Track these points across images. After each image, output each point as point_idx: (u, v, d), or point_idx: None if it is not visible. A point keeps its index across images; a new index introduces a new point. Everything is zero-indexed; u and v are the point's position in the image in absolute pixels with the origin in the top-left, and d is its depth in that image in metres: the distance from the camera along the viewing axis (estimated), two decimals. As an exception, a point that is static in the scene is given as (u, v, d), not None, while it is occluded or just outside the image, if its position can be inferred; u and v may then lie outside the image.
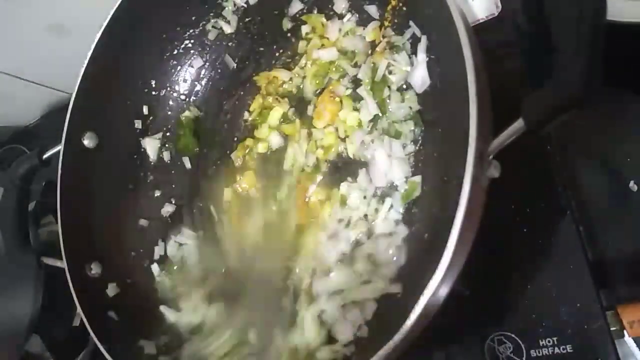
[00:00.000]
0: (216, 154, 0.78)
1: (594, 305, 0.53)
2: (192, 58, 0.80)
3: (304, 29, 0.73)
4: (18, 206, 0.74)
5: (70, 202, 0.69)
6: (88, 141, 0.72)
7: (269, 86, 0.76)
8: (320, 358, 0.56)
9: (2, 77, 0.95)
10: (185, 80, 0.80)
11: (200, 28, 0.79)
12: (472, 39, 0.45)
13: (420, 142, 0.61)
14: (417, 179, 0.59)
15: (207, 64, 0.80)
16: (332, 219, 0.64)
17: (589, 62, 0.37)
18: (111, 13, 0.69)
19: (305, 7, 0.74)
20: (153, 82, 0.79)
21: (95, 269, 0.68)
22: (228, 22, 0.78)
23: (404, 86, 0.63)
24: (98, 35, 0.70)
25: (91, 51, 0.70)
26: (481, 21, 0.66)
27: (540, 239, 0.58)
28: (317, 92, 0.71)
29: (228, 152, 0.77)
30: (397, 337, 0.42)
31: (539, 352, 0.54)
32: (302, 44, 0.74)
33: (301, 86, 0.73)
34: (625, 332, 0.53)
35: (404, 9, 0.63)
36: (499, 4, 0.66)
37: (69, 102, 0.70)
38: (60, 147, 0.70)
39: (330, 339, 0.57)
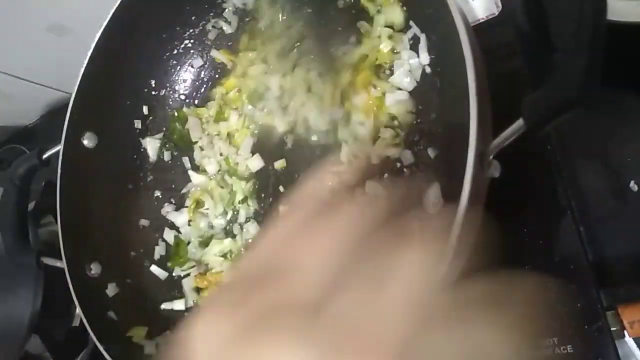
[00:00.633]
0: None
1: (594, 305, 0.53)
2: (192, 58, 0.80)
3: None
4: (17, 206, 0.74)
5: (70, 202, 0.69)
6: (88, 141, 0.72)
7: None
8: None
9: (1, 77, 0.95)
10: (185, 80, 0.80)
11: (200, 28, 0.78)
12: (472, 38, 0.45)
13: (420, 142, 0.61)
14: None
15: (207, 63, 0.80)
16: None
17: (589, 62, 0.37)
18: (111, 13, 0.69)
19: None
20: (153, 82, 0.79)
21: (95, 269, 0.68)
22: (228, 22, 0.78)
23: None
24: (97, 35, 0.70)
25: (91, 51, 0.70)
26: (481, 21, 0.66)
27: (541, 239, 0.58)
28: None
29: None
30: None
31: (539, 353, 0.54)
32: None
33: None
34: (625, 332, 0.53)
35: (404, 8, 0.63)
36: (499, 4, 0.66)
37: (68, 102, 0.70)
38: (60, 147, 0.70)
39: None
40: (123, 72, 0.75)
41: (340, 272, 0.26)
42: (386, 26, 0.64)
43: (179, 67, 0.80)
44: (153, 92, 0.79)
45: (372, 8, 0.66)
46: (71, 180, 0.69)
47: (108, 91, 0.74)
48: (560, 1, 0.39)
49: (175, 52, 0.79)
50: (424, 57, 0.60)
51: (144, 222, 0.76)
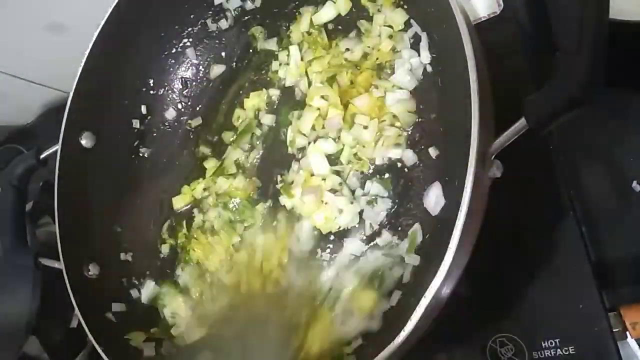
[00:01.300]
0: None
1: (597, 306, 0.53)
2: (191, 57, 0.79)
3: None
4: (15, 206, 0.73)
5: (68, 202, 0.68)
6: (86, 141, 0.72)
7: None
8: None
9: (-1, 76, 0.94)
10: (183, 79, 0.80)
11: (199, 26, 0.78)
12: (474, 37, 0.45)
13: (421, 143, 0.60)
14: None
15: (206, 62, 0.79)
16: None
17: (592, 62, 0.37)
18: (109, 12, 0.69)
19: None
20: (151, 81, 0.78)
21: (92, 270, 0.68)
22: (227, 21, 0.77)
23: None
24: (95, 34, 0.69)
25: (89, 50, 0.70)
26: (483, 19, 0.66)
27: (543, 240, 0.57)
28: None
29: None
30: (398, 339, 0.42)
31: (541, 354, 0.53)
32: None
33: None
34: (627, 333, 0.52)
35: (405, 7, 0.62)
36: (501, 2, 0.65)
37: (66, 102, 0.70)
38: (57, 147, 0.69)
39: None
40: (121, 70, 0.75)
41: None
42: (386, 25, 0.64)
43: (177, 65, 0.79)
44: (151, 91, 0.79)
45: (372, 7, 0.65)
46: (69, 181, 0.69)
47: (106, 90, 0.74)
48: (562, 0, 0.39)
49: (174, 50, 0.79)
50: (425, 56, 0.60)
51: (143, 222, 0.75)
